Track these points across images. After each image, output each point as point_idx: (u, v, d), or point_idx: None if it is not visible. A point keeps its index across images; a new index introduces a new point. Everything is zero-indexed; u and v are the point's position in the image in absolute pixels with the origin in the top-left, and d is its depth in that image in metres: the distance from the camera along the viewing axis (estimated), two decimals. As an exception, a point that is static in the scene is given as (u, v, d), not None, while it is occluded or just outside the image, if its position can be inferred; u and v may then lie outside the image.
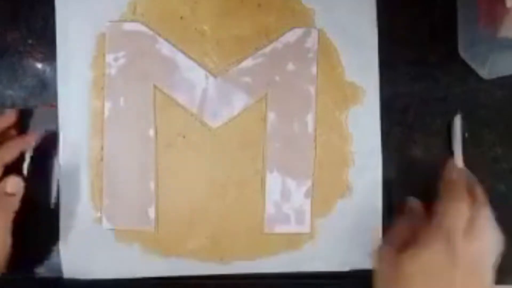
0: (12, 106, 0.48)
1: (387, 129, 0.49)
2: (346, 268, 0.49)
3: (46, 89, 0.48)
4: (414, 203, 0.47)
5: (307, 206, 0.49)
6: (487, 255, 0.42)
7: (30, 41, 0.48)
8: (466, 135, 0.49)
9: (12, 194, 0.44)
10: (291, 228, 0.49)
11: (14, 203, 0.44)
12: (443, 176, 0.46)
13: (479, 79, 0.49)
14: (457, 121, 0.49)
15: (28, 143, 0.47)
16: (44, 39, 0.48)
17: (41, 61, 0.48)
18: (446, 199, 0.44)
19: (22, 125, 0.48)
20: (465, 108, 0.49)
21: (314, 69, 0.48)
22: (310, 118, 0.49)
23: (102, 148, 0.48)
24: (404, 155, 0.50)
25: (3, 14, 0.48)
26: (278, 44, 0.48)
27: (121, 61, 0.48)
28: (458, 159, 0.48)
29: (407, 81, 0.49)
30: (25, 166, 0.48)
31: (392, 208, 0.49)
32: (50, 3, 0.48)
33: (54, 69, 0.48)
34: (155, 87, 0.48)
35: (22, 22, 0.48)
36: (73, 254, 0.48)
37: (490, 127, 0.50)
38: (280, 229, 0.49)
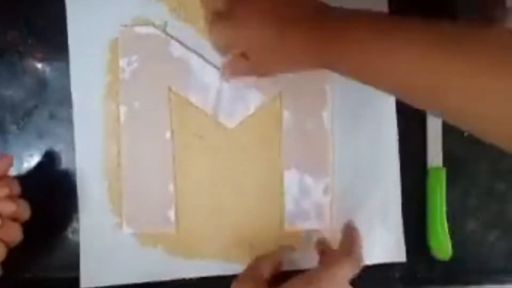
0: (12, 106, 0.48)
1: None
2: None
3: (46, 89, 0.48)
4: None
5: (326, 202, 0.49)
6: None
7: (30, 41, 0.48)
8: (466, 135, 0.50)
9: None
10: (311, 224, 0.49)
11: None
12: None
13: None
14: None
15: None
16: (44, 39, 0.48)
17: (41, 61, 0.48)
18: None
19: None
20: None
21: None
22: (326, 115, 0.49)
23: (118, 153, 0.48)
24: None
25: (3, 14, 0.48)
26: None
27: (135, 65, 0.48)
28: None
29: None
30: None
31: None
32: (50, 3, 0.48)
33: (54, 69, 0.48)
34: (169, 89, 0.48)
35: (22, 22, 0.48)
36: (94, 261, 0.48)
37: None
38: (300, 225, 0.49)
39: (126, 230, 0.48)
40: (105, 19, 0.48)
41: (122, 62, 0.48)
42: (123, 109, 0.48)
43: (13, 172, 0.47)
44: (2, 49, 0.48)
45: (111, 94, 0.48)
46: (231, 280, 0.43)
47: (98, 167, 0.48)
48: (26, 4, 0.48)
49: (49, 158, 0.48)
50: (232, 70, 0.45)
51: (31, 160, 0.48)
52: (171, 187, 0.48)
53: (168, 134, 0.48)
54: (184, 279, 0.48)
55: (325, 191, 0.49)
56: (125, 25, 0.48)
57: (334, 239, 0.49)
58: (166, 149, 0.48)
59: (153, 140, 0.48)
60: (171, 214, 0.48)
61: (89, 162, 0.48)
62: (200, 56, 0.48)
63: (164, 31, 0.48)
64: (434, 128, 0.49)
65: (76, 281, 0.47)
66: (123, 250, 0.48)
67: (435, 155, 0.49)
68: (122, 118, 0.48)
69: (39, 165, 0.48)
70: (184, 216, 0.48)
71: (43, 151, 0.48)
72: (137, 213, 0.48)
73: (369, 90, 0.48)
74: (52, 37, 0.48)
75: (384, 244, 0.50)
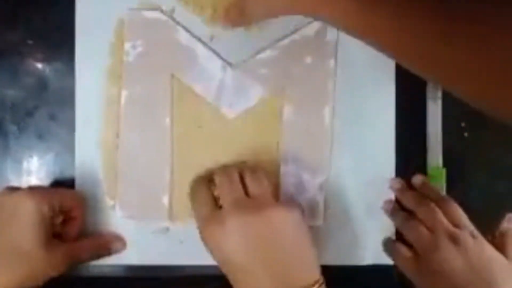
0: (12, 106, 0.48)
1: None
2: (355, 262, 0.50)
3: (46, 89, 0.48)
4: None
5: (320, 199, 0.49)
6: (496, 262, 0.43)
7: (30, 41, 0.48)
8: (466, 135, 0.50)
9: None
10: (304, 220, 0.48)
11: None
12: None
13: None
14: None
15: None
16: (44, 39, 0.48)
17: (41, 61, 0.48)
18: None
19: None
20: (465, 108, 0.50)
21: (332, 63, 0.49)
22: (327, 111, 0.49)
23: (117, 136, 0.47)
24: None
25: (3, 14, 0.48)
26: (296, 37, 0.49)
27: (139, 49, 0.47)
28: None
29: (407, 81, 0.50)
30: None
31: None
32: (50, 3, 0.48)
33: (54, 69, 0.48)
34: (172, 76, 0.48)
35: (22, 22, 0.48)
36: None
37: (490, 127, 0.51)
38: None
39: (119, 213, 0.47)
40: (113, 1, 0.48)
41: (127, 45, 0.47)
42: (124, 93, 0.47)
43: (12, 173, 0.48)
44: (2, 49, 0.48)
45: (113, 76, 0.48)
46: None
47: (96, 148, 0.48)
48: (26, 4, 0.48)
49: (49, 159, 0.48)
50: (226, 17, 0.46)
51: (31, 161, 0.48)
52: (167, 174, 0.48)
53: (167, 121, 0.48)
54: (175, 266, 0.48)
55: (321, 188, 0.49)
56: (132, 8, 0.48)
57: (328, 237, 0.49)
58: (165, 136, 0.48)
59: (152, 126, 0.48)
60: (165, 201, 0.48)
61: (87, 143, 0.47)
62: (206, 45, 0.48)
63: (171, 17, 0.48)
64: (434, 128, 0.49)
65: (77, 279, 0.47)
66: (116, 230, 0.48)
67: (435, 155, 0.49)
68: (123, 101, 0.47)
69: (39, 166, 0.48)
70: (178, 203, 0.48)
71: (43, 152, 0.48)
72: (131, 197, 0.47)
73: (371, 89, 0.49)
74: (52, 37, 0.48)
75: (375, 247, 0.50)
